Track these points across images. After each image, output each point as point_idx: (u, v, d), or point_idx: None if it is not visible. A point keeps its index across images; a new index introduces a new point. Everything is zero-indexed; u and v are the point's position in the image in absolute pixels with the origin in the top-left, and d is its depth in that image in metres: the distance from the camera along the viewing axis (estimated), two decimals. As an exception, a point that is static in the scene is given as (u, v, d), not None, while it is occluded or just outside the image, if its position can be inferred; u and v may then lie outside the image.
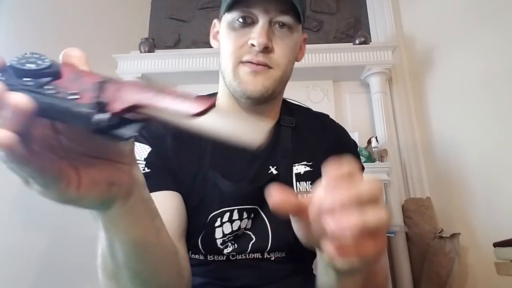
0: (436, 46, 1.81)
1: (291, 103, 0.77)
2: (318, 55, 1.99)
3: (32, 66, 0.23)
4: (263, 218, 0.62)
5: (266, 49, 0.59)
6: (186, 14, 2.40)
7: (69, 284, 1.62)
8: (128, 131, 0.24)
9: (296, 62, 0.69)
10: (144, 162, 0.59)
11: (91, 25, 1.97)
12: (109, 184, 0.28)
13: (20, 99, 0.21)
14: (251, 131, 0.24)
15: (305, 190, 0.64)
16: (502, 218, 1.30)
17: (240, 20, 0.60)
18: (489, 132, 1.40)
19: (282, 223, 0.61)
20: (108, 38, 2.09)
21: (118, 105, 0.23)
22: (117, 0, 2.24)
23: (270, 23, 0.60)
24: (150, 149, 0.60)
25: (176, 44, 2.35)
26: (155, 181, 0.56)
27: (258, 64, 0.59)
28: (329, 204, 0.28)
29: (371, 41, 2.13)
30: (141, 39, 2.12)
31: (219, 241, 0.60)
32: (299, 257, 0.61)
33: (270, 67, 0.60)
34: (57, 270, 1.55)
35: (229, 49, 0.61)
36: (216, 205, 0.61)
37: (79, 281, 1.71)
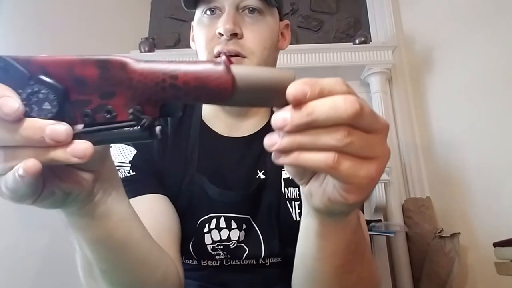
0: (436, 46, 1.81)
1: None
2: (318, 55, 1.99)
3: (49, 104, 0.23)
4: (256, 229, 0.60)
5: (235, 36, 0.55)
6: (186, 14, 2.39)
7: (69, 284, 1.62)
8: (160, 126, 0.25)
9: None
10: (129, 165, 0.56)
11: (91, 25, 1.97)
12: (65, 194, 0.28)
13: (84, 148, 0.23)
14: (280, 71, 0.24)
15: (293, 197, 0.61)
16: (502, 218, 1.30)
17: (208, 12, 0.59)
18: (489, 132, 1.40)
19: (271, 231, 0.60)
20: (108, 38, 2.08)
21: (152, 108, 0.24)
22: (117, 0, 2.24)
23: (238, 9, 0.57)
24: (135, 151, 0.58)
25: (176, 44, 2.35)
26: (141, 185, 0.55)
27: (229, 54, 0.55)
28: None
29: (371, 41, 2.12)
30: (141, 39, 2.11)
31: (209, 247, 0.58)
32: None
33: (243, 56, 0.56)
34: (57, 270, 1.55)
35: (201, 44, 0.59)
36: (204, 210, 0.59)
37: (79, 281, 1.71)
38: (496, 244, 1.05)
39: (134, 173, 0.56)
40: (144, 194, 0.54)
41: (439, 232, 1.56)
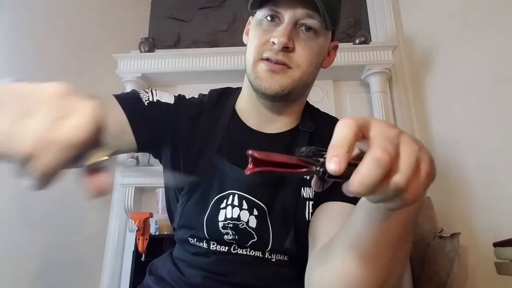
0: (436, 46, 1.81)
1: (317, 109, 0.76)
2: (318, 55, 1.99)
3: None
4: (268, 223, 0.62)
5: (287, 49, 0.59)
6: (186, 14, 2.40)
7: (68, 284, 1.62)
8: None
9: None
10: (155, 101, 0.64)
11: (91, 25, 1.97)
12: None
13: None
14: None
15: (308, 196, 0.63)
16: (502, 218, 1.30)
17: (268, 18, 0.62)
18: (489, 132, 1.40)
19: (283, 228, 0.62)
20: (108, 38, 2.08)
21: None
22: (117, 0, 2.24)
23: (296, 24, 0.60)
24: (171, 104, 0.66)
25: (176, 44, 2.35)
26: (135, 115, 0.60)
27: (277, 63, 0.59)
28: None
29: (371, 41, 2.13)
30: (141, 39, 2.11)
31: (220, 224, 0.60)
32: (300, 263, 0.60)
33: (289, 67, 0.60)
34: (56, 270, 1.55)
35: (253, 44, 0.63)
36: (221, 187, 0.62)
37: (79, 281, 1.71)
38: (496, 244, 1.05)
39: (147, 106, 0.63)
40: (126, 114, 0.60)
41: (439, 232, 1.56)
